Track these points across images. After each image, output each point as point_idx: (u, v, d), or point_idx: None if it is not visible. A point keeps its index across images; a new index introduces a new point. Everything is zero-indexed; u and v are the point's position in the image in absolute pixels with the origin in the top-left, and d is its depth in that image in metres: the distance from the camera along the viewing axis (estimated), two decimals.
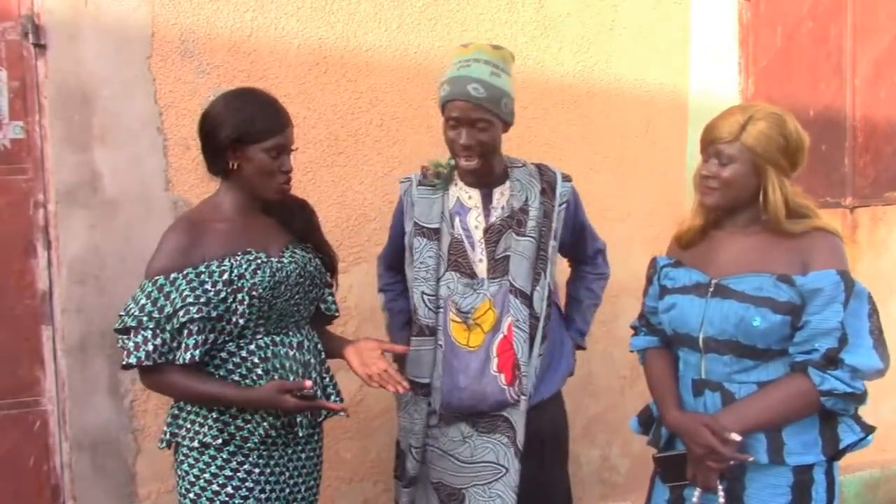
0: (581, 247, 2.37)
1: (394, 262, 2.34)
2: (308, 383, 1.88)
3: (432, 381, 2.18)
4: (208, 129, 1.92)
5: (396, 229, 2.30)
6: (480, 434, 2.17)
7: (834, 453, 1.85)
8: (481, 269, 2.16)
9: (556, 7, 3.12)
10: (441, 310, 2.16)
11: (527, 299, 2.13)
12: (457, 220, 2.19)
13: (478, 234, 2.17)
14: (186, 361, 1.82)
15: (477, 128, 2.06)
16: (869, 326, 1.80)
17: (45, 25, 2.44)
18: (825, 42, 3.62)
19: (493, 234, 2.16)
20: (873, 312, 1.82)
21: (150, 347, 1.82)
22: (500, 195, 2.19)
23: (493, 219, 2.17)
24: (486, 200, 2.19)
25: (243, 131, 1.88)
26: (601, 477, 3.33)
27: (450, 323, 2.16)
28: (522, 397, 2.13)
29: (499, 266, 2.15)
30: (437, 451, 2.22)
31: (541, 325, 2.15)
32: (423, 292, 2.17)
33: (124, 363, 1.84)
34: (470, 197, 2.20)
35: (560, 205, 2.21)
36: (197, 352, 1.83)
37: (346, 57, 2.81)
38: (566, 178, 2.25)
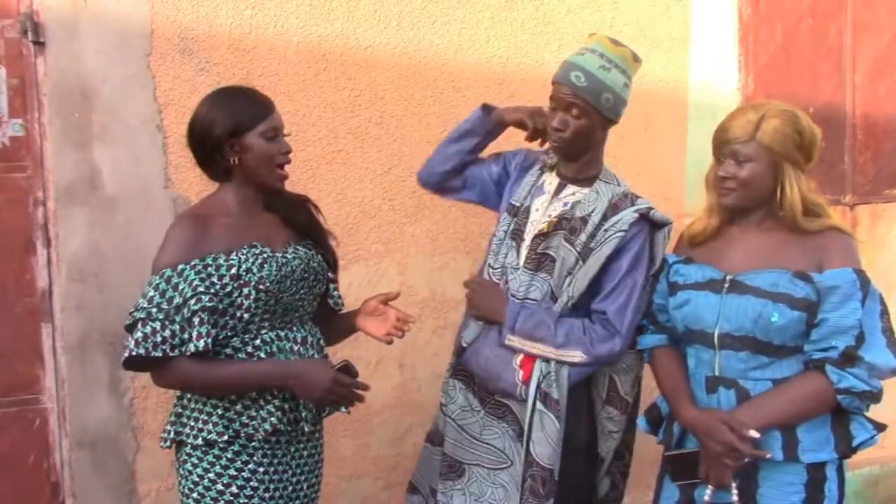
0: (592, 293, 2.09)
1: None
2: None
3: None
4: (200, 132, 1.92)
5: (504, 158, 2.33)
6: (489, 414, 2.16)
7: (847, 451, 1.85)
8: (522, 251, 2.16)
9: (556, 4, 3.11)
10: (499, 281, 2.18)
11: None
12: (532, 197, 2.22)
13: (535, 216, 2.18)
14: (200, 349, 1.79)
15: (571, 114, 2.07)
16: (882, 326, 1.81)
17: (44, 23, 2.44)
18: (825, 39, 3.62)
19: None
20: (884, 312, 1.83)
21: (159, 339, 1.78)
22: (572, 194, 2.16)
23: (551, 210, 2.16)
24: (558, 192, 2.19)
25: (237, 122, 1.89)
26: None
27: None
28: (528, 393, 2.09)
29: (533, 260, 2.13)
30: (449, 419, 2.22)
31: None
32: (489, 264, 2.21)
33: (133, 353, 1.78)
34: (551, 184, 2.21)
35: (607, 230, 2.06)
36: (210, 340, 1.80)
37: (345, 54, 2.81)
38: (637, 212, 2.07)
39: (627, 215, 2.07)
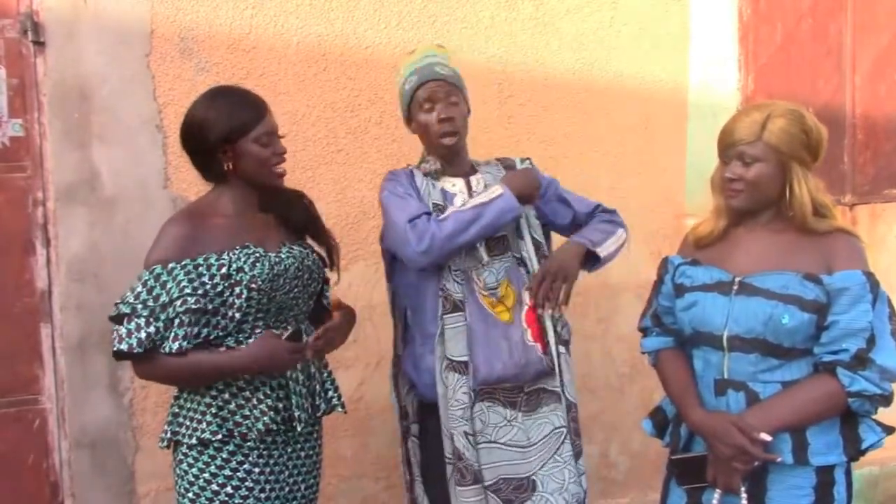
0: (575, 214, 2.34)
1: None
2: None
3: (470, 357, 2.13)
4: (194, 137, 1.92)
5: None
6: (526, 414, 2.14)
7: (855, 453, 1.83)
8: (479, 247, 2.15)
9: (556, 4, 3.11)
10: (464, 283, 2.16)
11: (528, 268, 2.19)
12: (449, 203, 2.21)
13: None
14: (174, 350, 1.82)
15: (450, 102, 2.15)
16: (891, 329, 1.79)
17: (44, 23, 2.44)
18: (825, 39, 3.62)
19: None
20: (893, 315, 1.81)
21: (143, 335, 1.81)
22: (477, 182, 2.24)
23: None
24: (467, 186, 2.24)
25: (230, 129, 1.89)
26: (600, 474, 3.32)
27: (480, 298, 2.16)
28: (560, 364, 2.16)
29: (497, 244, 2.16)
30: (489, 444, 2.13)
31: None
32: (449, 266, 2.17)
33: (115, 349, 1.84)
34: (454, 185, 2.24)
35: None
36: (186, 342, 1.83)
37: (345, 54, 2.81)
38: (524, 160, 2.33)
39: (524, 165, 2.31)
